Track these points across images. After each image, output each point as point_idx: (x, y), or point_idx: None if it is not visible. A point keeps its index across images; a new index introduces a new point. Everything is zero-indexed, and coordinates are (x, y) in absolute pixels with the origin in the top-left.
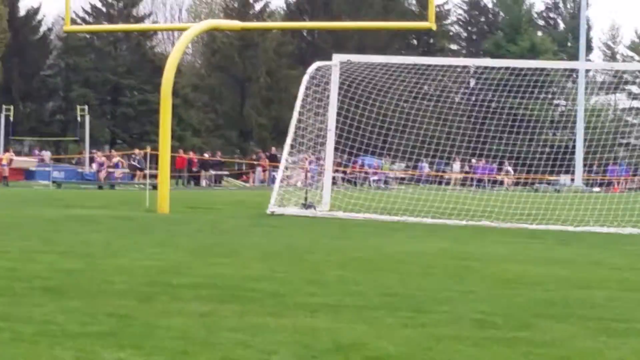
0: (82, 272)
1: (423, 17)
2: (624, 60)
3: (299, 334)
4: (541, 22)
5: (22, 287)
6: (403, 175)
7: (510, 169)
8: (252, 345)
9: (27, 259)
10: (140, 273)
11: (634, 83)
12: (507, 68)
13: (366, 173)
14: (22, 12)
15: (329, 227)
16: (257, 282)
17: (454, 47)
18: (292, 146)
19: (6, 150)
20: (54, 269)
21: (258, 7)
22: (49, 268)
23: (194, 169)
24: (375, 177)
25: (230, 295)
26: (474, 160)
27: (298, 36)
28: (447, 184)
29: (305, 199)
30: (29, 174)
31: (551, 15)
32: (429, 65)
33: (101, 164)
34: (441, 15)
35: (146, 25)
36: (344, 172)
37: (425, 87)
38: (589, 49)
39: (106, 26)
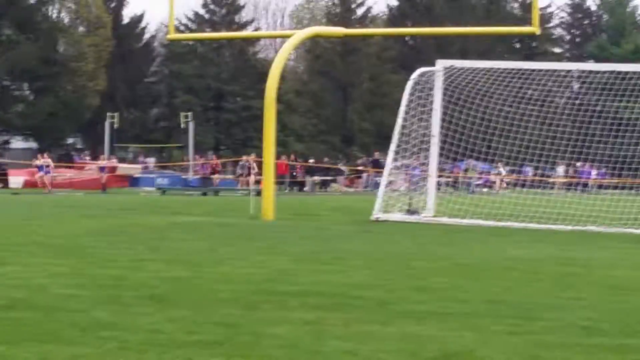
0: (189, 280)
1: (526, 20)
2: None
3: (406, 342)
4: None
5: (130, 296)
6: (507, 180)
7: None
8: (359, 353)
9: (134, 268)
10: (246, 281)
11: None
12: (611, 72)
13: (469, 177)
14: (126, 20)
15: (433, 233)
16: (362, 290)
17: (557, 50)
18: (396, 152)
19: (108, 157)
20: (161, 277)
21: (360, 12)
22: (156, 276)
23: (297, 175)
24: (479, 182)
25: (336, 303)
26: (578, 164)
27: (400, 41)
28: (552, 188)
29: (410, 204)
30: (133, 181)
31: None
32: (533, 70)
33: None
34: (544, 19)
35: (249, 32)
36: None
37: (529, 91)
38: None
39: (209, 34)
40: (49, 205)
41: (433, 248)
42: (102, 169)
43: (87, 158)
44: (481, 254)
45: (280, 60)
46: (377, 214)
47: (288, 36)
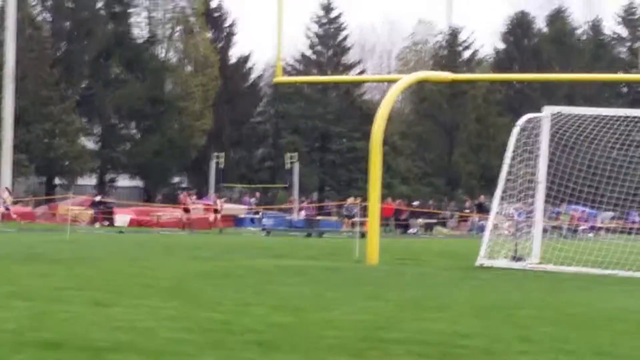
0: (294, 325)
1: (633, 64)
2: None
3: None
4: None
5: (236, 341)
6: (613, 226)
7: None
8: None
9: (240, 312)
10: (351, 327)
11: None
12: None
13: (577, 223)
14: (233, 60)
15: (539, 281)
16: (467, 339)
17: None
18: (501, 197)
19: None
20: (267, 322)
21: (467, 54)
22: (262, 321)
23: (402, 217)
24: (584, 227)
25: (441, 351)
26: None
27: (507, 84)
28: None
29: (515, 251)
30: (238, 221)
31: None
32: None
33: None
34: None
35: (356, 76)
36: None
37: (638, 138)
38: None
39: (316, 77)
40: (155, 245)
41: (539, 296)
42: (186, 210)
43: (194, 197)
44: (588, 304)
45: (387, 105)
46: (481, 259)
47: (395, 80)
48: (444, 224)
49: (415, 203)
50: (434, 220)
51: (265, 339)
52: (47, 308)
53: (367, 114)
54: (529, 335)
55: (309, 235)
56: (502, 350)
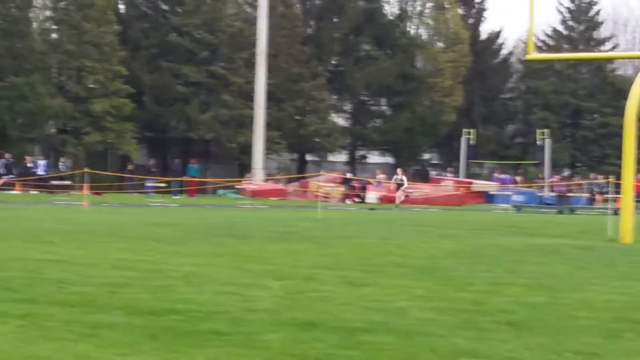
0: (547, 306)
1: None
2: None
3: None
4: None
5: (488, 322)
6: None
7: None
8: None
9: (491, 292)
10: (604, 308)
11: None
12: None
13: None
14: (483, 36)
15: None
16: None
17: None
18: None
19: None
20: (519, 302)
21: None
22: (514, 301)
23: None
24: None
25: None
26: None
27: None
28: None
29: None
30: (489, 197)
31: None
32: None
33: None
34: None
35: (607, 53)
36: None
37: None
38: None
39: (568, 55)
40: (404, 223)
41: None
42: (398, 186)
43: (449, 175)
44: None
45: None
46: None
47: None
48: None
49: None
50: None
51: (517, 319)
52: (300, 287)
53: (619, 89)
54: None
55: (560, 212)
56: None
